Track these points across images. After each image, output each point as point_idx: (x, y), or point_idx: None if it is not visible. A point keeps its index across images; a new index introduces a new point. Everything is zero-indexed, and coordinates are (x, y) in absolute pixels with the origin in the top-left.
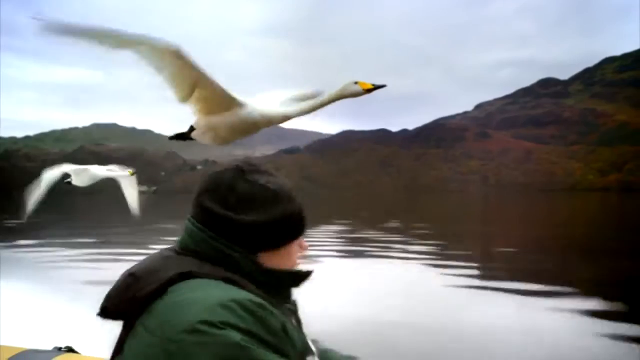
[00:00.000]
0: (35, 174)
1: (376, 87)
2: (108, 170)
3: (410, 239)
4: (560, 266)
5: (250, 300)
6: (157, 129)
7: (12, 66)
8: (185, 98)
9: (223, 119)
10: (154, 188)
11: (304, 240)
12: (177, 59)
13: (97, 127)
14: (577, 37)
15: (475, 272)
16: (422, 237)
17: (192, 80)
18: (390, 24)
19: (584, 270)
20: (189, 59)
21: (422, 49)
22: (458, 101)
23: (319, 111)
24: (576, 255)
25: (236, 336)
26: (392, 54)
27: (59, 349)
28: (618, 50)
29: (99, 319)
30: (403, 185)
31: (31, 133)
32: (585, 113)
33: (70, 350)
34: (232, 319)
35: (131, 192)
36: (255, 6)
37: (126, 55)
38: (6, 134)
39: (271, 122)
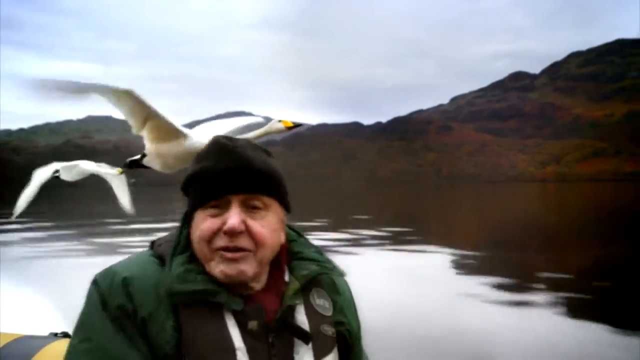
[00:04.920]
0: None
1: (296, 125)
2: (97, 166)
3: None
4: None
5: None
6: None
7: (12, 59)
8: (139, 129)
9: (169, 147)
10: (132, 180)
11: (230, 217)
12: (129, 99)
13: (91, 119)
14: (572, 29)
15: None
16: (353, 224)
17: (143, 115)
18: (387, 17)
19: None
20: (140, 98)
21: (418, 42)
22: (451, 93)
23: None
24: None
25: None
26: (388, 47)
27: (55, 334)
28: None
29: None
30: (363, 177)
31: (25, 126)
32: (545, 107)
33: (66, 335)
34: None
35: (121, 190)
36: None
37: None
38: (4, 126)
39: None
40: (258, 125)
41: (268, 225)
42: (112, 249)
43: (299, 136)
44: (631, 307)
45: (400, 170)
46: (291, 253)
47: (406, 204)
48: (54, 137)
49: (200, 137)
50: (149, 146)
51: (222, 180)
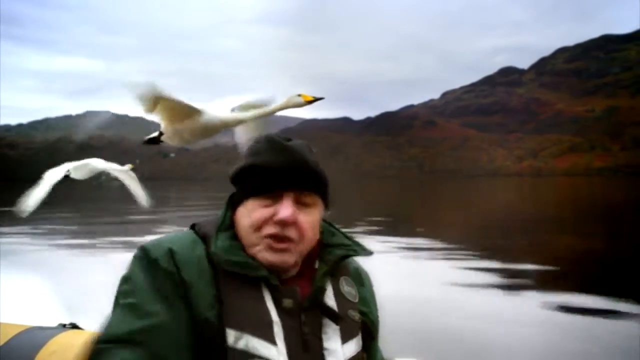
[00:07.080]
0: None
1: (315, 99)
2: (107, 164)
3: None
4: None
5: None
6: (149, 116)
7: (13, 54)
8: (149, 111)
9: (186, 125)
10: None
11: (283, 208)
12: (142, 88)
13: (90, 115)
14: (571, 23)
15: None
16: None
17: (155, 99)
18: (387, 11)
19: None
20: (155, 88)
21: (418, 36)
22: (447, 88)
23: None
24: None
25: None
26: (388, 41)
27: (64, 325)
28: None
29: None
30: (348, 171)
31: (24, 121)
32: (530, 102)
33: (74, 326)
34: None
35: (134, 185)
36: None
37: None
38: (4, 121)
39: (227, 125)
40: (265, 101)
41: (312, 221)
42: (111, 242)
43: (289, 131)
44: (606, 293)
45: (384, 165)
46: (321, 244)
47: (389, 198)
48: (52, 132)
49: (215, 112)
50: (165, 125)
51: (280, 176)
